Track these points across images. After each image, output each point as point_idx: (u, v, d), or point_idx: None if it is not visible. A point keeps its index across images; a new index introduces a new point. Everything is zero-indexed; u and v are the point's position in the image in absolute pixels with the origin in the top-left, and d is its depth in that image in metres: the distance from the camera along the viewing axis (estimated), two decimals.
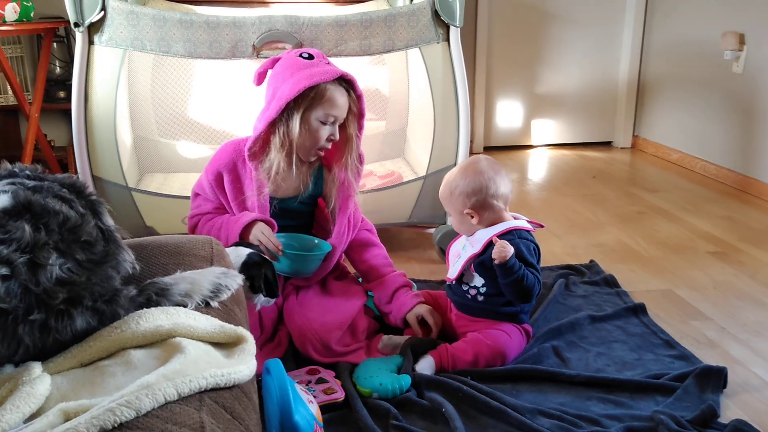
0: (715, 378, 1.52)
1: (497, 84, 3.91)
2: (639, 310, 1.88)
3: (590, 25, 3.88)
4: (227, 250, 1.44)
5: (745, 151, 3.15)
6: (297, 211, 1.77)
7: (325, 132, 1.65)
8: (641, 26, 3.86)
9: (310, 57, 1.66)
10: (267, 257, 1.46)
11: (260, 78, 1.71)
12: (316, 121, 1.63)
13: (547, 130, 4.05)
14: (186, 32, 2.01)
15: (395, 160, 2.69)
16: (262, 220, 1.65)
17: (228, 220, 1.68)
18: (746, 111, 3.13)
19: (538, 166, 3.70)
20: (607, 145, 4.11)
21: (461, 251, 1.70)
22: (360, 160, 1.76)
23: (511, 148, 4.01)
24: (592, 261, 2.25)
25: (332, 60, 1.81)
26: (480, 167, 1.65)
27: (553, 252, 2.38)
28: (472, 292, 1.67)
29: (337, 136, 1.67)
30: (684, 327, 1.84)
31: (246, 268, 1.39)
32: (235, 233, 1.63)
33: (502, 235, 1.61)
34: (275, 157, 1.63)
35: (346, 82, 1.65)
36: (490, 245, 1.60)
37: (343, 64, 2.34)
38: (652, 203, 2.96)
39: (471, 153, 3.55)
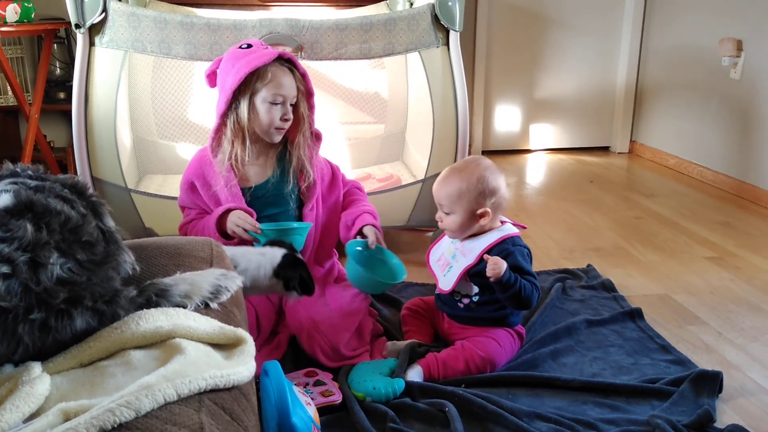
0: (711, 383, 1.52)
1: (496, 88, 3.93)
2: (636, 314, 1.89)
3: (589, 30, 3.89)
4: (263, 249, 1.43)
5: (742, 157, 3.16)
6: (273, 197, 1.75)
7: (276, 112, 1.65)
8: (639, 32, 3.87)
9: (249, 46, 1.69)
10: (249, 238, 1.45)
11: (211, 79, 1.75)
12: (264, 103, 1.65)
13: (545, 134, 4.06)
14: (187, 34, 2.02)
15: (394, 164, 2.70)
16: (239, 209, 1.65)
17: (208, 218, 1.70)
18: (743, 117, 3.15)
19: (536, 170, 3.71)
20: (604, 150, 4.12)
21: (451, 261, 1.65)
22: (317, 138, 1.77)
23: (509, 152, 4.02)
24: (589, 265, 2.26)
25: (332, 63, 1.80)
26: (488, 164, 1.61)
27: (551, 256, 2.38)
28: (465, 301, 1.65)
29: (291, 116, 1.67)
30: (680, 332, 1.84)
31: (281, 269, 1.39)
32: (211, 226, 1.64)
33: (498, 244, 1.59)
34: (227, 146, 1.67)
35: (287, 62, 1.67)
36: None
37: (343, 67, 2.34)
38: (649, 208, 2.96)
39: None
